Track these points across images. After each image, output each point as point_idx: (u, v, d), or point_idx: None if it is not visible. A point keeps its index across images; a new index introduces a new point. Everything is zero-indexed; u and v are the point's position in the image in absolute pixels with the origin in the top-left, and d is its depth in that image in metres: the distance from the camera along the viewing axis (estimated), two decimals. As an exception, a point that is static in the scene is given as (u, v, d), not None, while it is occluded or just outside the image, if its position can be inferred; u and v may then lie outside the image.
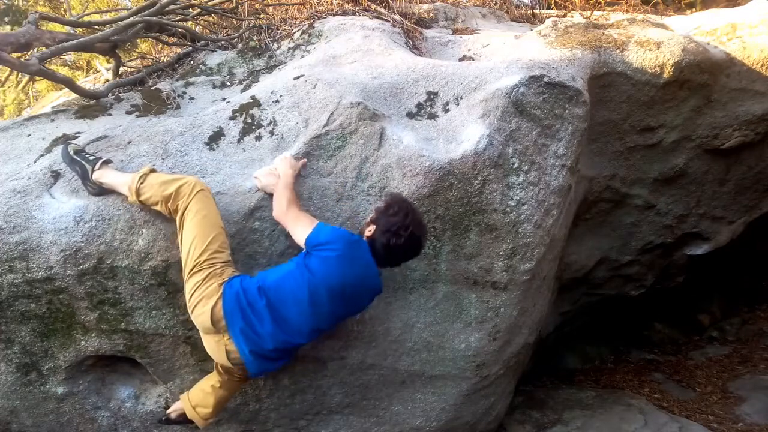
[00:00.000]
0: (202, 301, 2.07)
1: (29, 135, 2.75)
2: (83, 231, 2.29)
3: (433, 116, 2.79)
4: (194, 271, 2.08)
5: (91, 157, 2.34)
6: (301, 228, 2.17)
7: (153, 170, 2.26)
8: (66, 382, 2.56)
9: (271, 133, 2.65)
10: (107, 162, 2.35)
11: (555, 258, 3.25)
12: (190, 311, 2.13)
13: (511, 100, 2.71)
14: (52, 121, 2.88)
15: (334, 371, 2.73)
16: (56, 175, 2.42)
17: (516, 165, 2.69)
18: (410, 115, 2.80)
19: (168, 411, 2.51)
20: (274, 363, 2.22)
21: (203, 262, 2.08)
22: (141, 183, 2.19)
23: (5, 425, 2.63)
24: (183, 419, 2.45)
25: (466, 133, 2.65)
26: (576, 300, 4.47)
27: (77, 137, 2.64)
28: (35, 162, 2.53)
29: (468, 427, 3.18)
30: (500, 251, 2.73)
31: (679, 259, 4.48)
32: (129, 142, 2.55)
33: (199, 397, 2.40)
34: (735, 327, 5.34)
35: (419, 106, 2.83)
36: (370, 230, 2.21)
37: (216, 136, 2.62)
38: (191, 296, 2.09)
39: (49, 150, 2.59)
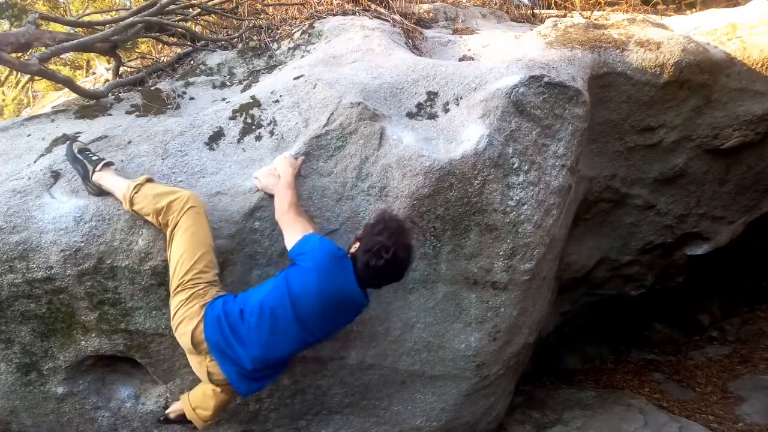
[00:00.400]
0: (184, 322, 2.07)
1: (29, 135, 2.75)
2: (83, 231, 2.29)
3: (433, 116, 2.79)
4: (178, 290, 2.08)
5: (94, 158, 2.34)
6: (292, 234, 2.16)
7: (149, 180, 2.25)
8: (66, 382, 2.56)
9: (271, 133, 2.65)
10: (109, 164, 2.34)
11: (555, 258, 3.26)
12: (174, 329, 2.13)
13: (511, 100, 2.71)
14: (52, 121, 2.88)
15: (334, 371, 2.73)
16: (56, 175, 2.42)
17: (516, 165, 2.69)
18: (410, 115, 2.80)
19: (167, 411, 2.50)
20: (260, 382, 2.20)
21: (188, 281, 2.07)
22: (135, 192, 2.18)
23: (5, 425, 2.63)
24: (182, 420, 2.44)
25: (466, 133, 2.65)
26: (576, 300, 4.47)
27: (78, 137, 2.64)
28: (35, 162, 2.53)
29: (468, 427, 3.18)
30: (500, 251, 2.73)
31: (679, 259, 4.48)
32: (129, 142, 2.55)
33: (200, 399, 2.39)
34: (735, 327, 5.34)
35: (419, 106, 2.83)
36: (355, 247, 2.16)
37: (216, 136, 2.62)
38: (174, 315, 2.09)
39: (49, 150, 2.59)
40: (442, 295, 2.75)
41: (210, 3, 4.13)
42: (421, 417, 2.96)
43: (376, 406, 2.90)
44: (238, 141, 2.62)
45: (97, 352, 2.51)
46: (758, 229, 4.58)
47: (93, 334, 2.47)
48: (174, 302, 2.11)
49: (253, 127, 2.67)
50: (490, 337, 2.88)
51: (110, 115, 2.92)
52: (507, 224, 2.68)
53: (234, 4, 4.34)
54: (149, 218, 2.21)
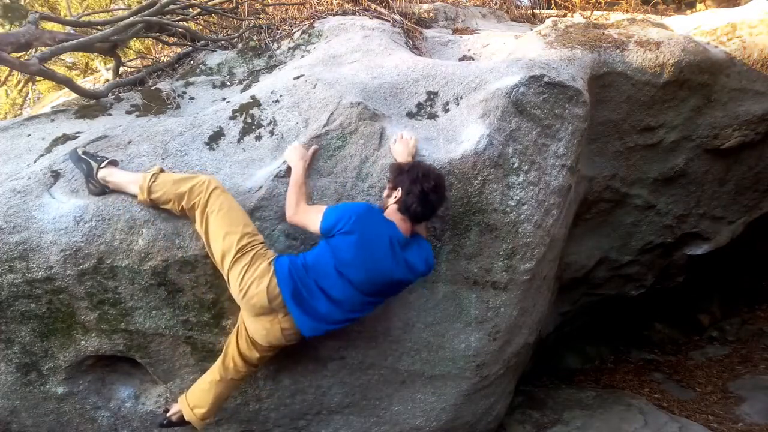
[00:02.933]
0: (254, 282, 2.10)
1: (29, 135, 2.76)
2: (83, 231, 2.29)
3: (433, 116, 2.79)
4: (237, 256, 2.11)
5: (98, 157, 2.36)
6: (313, 220, 2.20)
7: (162, 170, 2.29)
8: (66, 382, 2.56)
9: (271, 132, 2.65)
10: (113, 162, 2.36)
11: (555, 258, 3.26)
12: (240, 297, 2.14)
13: (511, 99, 2.70)
14: (52, 121, 2.88)
15: (334, 371, 2.73)
16: (56, 175, 2.42)
17: (516, 165, 2.69)
18: (410, 115, 2.80)
19: (168, 414, 2.50)
20: (330, 330, 2.25)
21: (246, 245, 2.12)
22: (153, 181, 2.21)
23: (5, 425, 2.64)
24: (183, 421, 2.45)
25: (466, 133, 2.65)
26: (576, 300, 4.47)
27: (77, 137, 2.64)
28: (35, 162, 2.53)
29: (468, 427, 3.18)
30: (500, 251, 2.73)
31: (679, 259, 4.48)
32: (129, 142, 2.55)
33: (197, 396, 2.40)
34: (735, 327, 5.34)
35: (419, 105, 2.83)
36: (395, 195, 2.24)
37: (216, 136, 2.62)
38: (241, 280, 2.10)
39: (49, 150, 2.59)
40: (442, 295, 2.75)
41: (210, 3, 4.13)
42: (421, 417, 2.96)
43: (376, 406, 2.90)
44: (238, 141, 2.62)
45: (97, 352, 2.51)
46: (758, 229, 4.58)
47: (93, 334, 2.47)
48: (236, 270, 2.11)
49: (253, 127, 2.67)
50: (490, 337, 2.88)
51: (110, 115, 2.92)
52: (507, 224, 2.68)
53: (234, 4, 4.34)
54: (168, 206, 2.23)
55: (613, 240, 4.11)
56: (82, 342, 2.48)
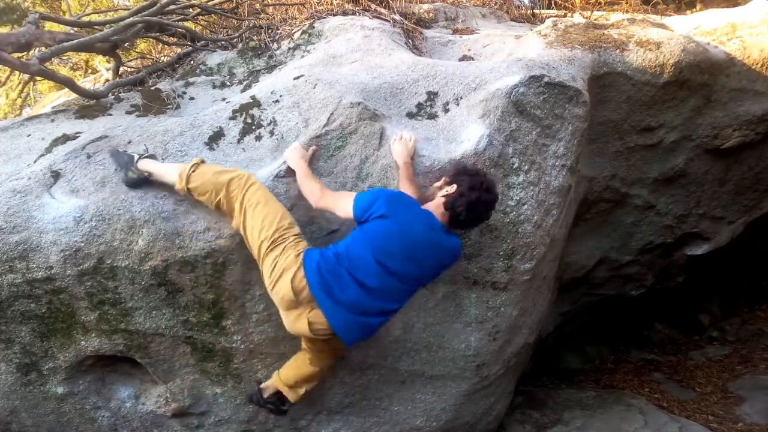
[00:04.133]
0: (284, 274, 2.09)
1: (29, 135, 2.76)
2: (83, 231, 2.29)
3: (433, 116, 2.79)
4: (270, 247, 2.12)
5: (134, 154, 2.42)
6: (342, 205, 2.20)
7: (203, 161, 2.32)
8: (66, 382, 2.56)
9: (271, 133, 2.65)
10: (152, 156, 2.41)
11: (555, 258, 3.25)
12: (270, 288, 2.15)
13: (511, 100, 2.70)
14: (52, 121, 2.88)
15: (334, 371, 2.73)
16: (56, 175, 2.42)
17: (516, 165, 2.69)
18: (410, 115, 2.80)
19: (261, 386, 2.56)
20: (364, 328, 2.18)
21: (278, 237, 2.13)
22: (192, 171, 2.24)
23: (5, 425, 2.64)
24: (275, 398, 2.52)
25: (466, 133, 2.65)
26: (576, 300, 4.47)
27: (77, 137, 2.64)
28: (35, 162, 2.53)
29: (468, 427, 3.18)
30: (500, 251, 2.73)
31: (679, 259, 4.48)
32: (129, 142, 2.55)
33: (291, 374, 2.46)
34: (735, 327, 5.34)
35: (419, 106, 2.83)
36: (448, 189, 2.23)
37: (216, 136, 2.62)
38: (271, 272, 2.11)
39: (49, 150, 2.59)
40: (442, 295, 2.75)
41: (210, 3, 4.13)
42: (421, 417, 2.96)
43: (376, 406, 2.90)
44: (238, 141, 2.62)
45: (97, 352, 2.51)
46: (758, 229, 4.58)
47: (93, 334, 2.47)
48: (268, 261, 2.12)
49: (253, 127, 2.67)
50: (490, 337, 2.88)
51: (110, 115, 2.92)
52: (507, 224, 2.68)
53: (234, 4, 4.34)
54: (204, 198, 2.24)
55: (613, 240, 4.11)
56: (82, 342, 2.48)
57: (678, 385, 4.59)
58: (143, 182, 2.36)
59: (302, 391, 2.49)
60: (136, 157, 2.37)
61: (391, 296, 2.17)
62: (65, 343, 2.47)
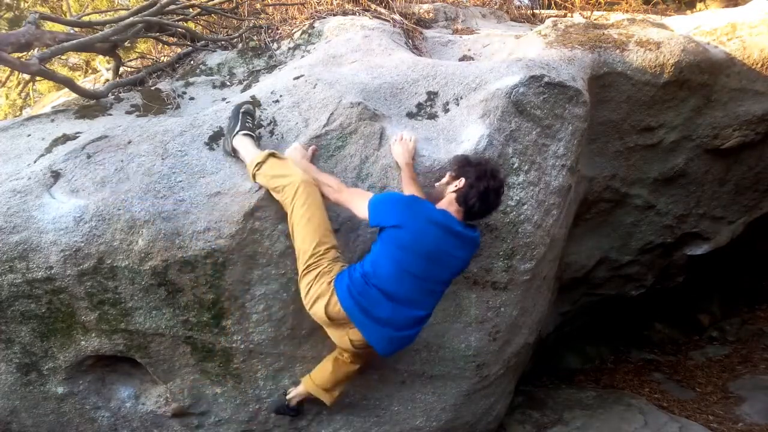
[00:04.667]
0: (318, 300, 2.17)
1: (29, 135, 2.75)
2: (83, 231, 2.29)
3: (433, 116, 2.79)
4: (305, 272, 2.20)
5: (248, 124, 2.45)
6: (358, 206, 2.24)
7: (272, 155, 2.31)
8: (66, 382, 2.56)
9: (271, 133, 2.65)
10: (250, 135, 2.43)
11: (555, 258, 3.25)
12: (308, 308, 2.24)
13: (511, 100, 2.70)
14: (52, 121, 2.88)
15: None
16: (56, 175, 2.42)
17: (516, 165, 2.69)
18: (410, 115, 2.80)
19: (288, 396, 2.62)
20: (402, 341, 2.26)
21: (312, 264, 2.19)
22: (257, 170, 2.29)
23: (5, 425, 2.64)
24: (301, 405, 2.61)
25: (466, 133, 2.65)
26: (576, 300, 4.47)
27: (77, 137, 2.64)
28: (35, 162, 2.53)
29: (468, 427, 3.18)
30: (500, 251, 2.73)
31: (679, 259, 4.48)
32: (129, 142, 2.55)
33: (328, 377, 2.51)
34: (735, 327, 5.34)
35: (419, 106, 2.83)
36: (456, 184, 2.24)
37: (216, 136, 2.62)
38: (307, 294, 2.20)
39: (49, 150, 2.59)
40: (442, 295, 2.74)
41: (210, 3, 4.13)
42: (421, 417, 2.96)
43: (376, 406, 2.90)
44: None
45: (97, 352, 2.51)
46: (758, 229, 4.58)
47: (93, 334, 2.47)
48: (303, 283, 2.22)
49: (253, 127, 2.67)
50: (490, 337, 2.88)
51: (110, 115, 2.92)
52: (507, 224, 2.68)
53: (234, 4, 4.34)
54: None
55: (613, 240, 4.11)
56: (82, 342, 2.48)
57: (678, 385, 4.60)
58: (232, 155, 2.47)
59: (337, 392, 2.56)
60: (236, 130, 2.42)
61: (423, 302, 2.23)
62: (65, 343, 2.47)
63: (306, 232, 2.19)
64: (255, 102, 2.76)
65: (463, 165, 2.29)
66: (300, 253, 2.22)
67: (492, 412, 3.27)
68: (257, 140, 2.48)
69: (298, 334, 2.57)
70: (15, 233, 2.27)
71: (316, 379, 2.55)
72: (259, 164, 2.29)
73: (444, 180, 2.35)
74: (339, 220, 2.50)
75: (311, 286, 2.18)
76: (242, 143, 2.42)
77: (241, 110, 2.47)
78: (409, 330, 2.23)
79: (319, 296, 2.16)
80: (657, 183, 3.87)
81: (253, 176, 2.31)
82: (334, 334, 2.28)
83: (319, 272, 2.17)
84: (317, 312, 2.19)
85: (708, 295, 5.52)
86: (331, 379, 2.52)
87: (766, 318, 5.39)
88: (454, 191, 2.24)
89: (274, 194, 2.30)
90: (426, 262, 2.15)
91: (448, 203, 2.25)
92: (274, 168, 2.28)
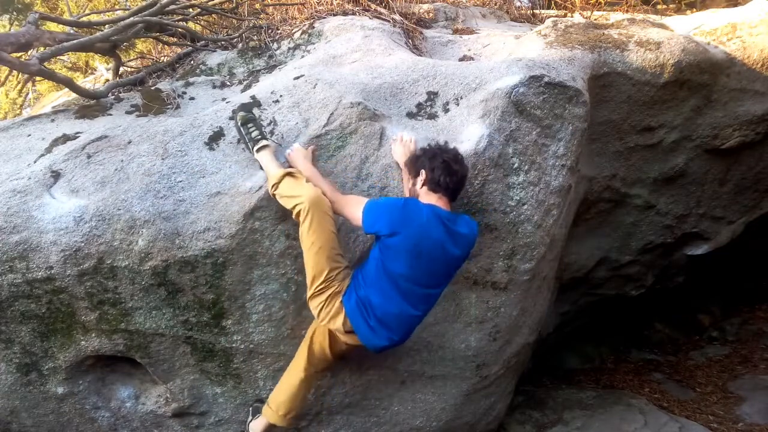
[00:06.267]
0: (332, 321, 2.25)
1: (29, 135, 2.76)
2: (83, 231, 2.29)
3: (433, 116, 2.79)
4: (315, 294, 2.25)
5: (253, 133, 2.47)
6: (353, 214, 2.26)
7: (289, 174, 2.29)
8: (66, 382, 2.56)
9: (272, 133, 2.65)
10: (263, 147, 2.44)
11: (555, 258, 3.25)
12: (322, 323, 2.31)
13: (511, 100, 2.70)
14: (52, 121, 2.88)
15: (335, 371, 2.73)
16: (56, 175, 2.42)
17: (516, 165, 2.69)
18: (410, 115, 2.80)
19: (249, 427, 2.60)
20: (396, 342, 2.31)
21: (323, 287, 2.23)
22: (275, 191, 2.29)
23: (5, 425, 2.64)
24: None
25: (466, 133, 2.65)
26: (576, 300, 4.47)
27: (77, 137, 2.64)
28: (35, 162, 2.53)
29: (468, 427, 3.18)
30: (500, 251, 2.73)
31: (679, 259, 4.48)
32: (129, 142, 2.55)
33: (279, 400, 2.48)
34: (735, 327, 5.34)
35: (419, 106, 2.83)
36: (421, 179, 2.27)
37: (216, 136, 2.62)
38: (318, 313, 2.27)
39: (49, 150, 2.59)
40: (442, 295, 2.74)
41: (210, 3, 4.13)
42: (421, 417, 2.96)
43: (376, 406, 2.90)
44: (238, 141, 2.62)
45: (97, 352, 2.51)
46: (758, 229, 4.58)
47: (93, 334, 2.47)
48: (314, 303, 2.27)
49: (253, 127, 2.67)
50: (490, 337, 2.88)
51: (110, 115, 2.92)
52: (507, 224, 2.68)
53: (234, 4, 4.34)
54: None
55: (613, 240, 4.11)
56: (82, 342, 2.48)
57: (678, 385, 4.60)
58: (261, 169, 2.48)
59: (291, 416, 2.51)
60: (251, 147, 2.45)
61: (419, 306, 2.26)
62: (65, 343, 2.47)
63: (316, 261, 2.22)
64: (255, 102, 2.77)
65: (414, 161, 2.34)
66: (310, 276, 2.25)
67: (492, 412, 3.27)
68: (271, 139, 2.51)
69: (298, 334, 2.57)
70: (15, 233, 2.27)
71: (273, 403, 2.50)
72: (276, 185, 2.29)
73: (409, 184, 2.38)
74: (339, 221, 2.50)
75: (322, 308, 2.24)
76: (262, 159, 2.43)
77: (239, 124, 2.50)
78: (403, 334, 2.29)
79: (330, 316, 2.24)
80: (657, 183, 3.87)
81: (273, 195, 2.32)
82: (342, 339, 2.35)
83: (330, 294, 2.23)
84: (336, 328, 2.26)
85: (708, 295, 5.51)
86: (286, 397, 2.48)
87: (766, 318, 5.39)
88: (423, 185, 2.27)
89: (293, 215, 2.30)
90: (425, 263, 2.16)
91: (427, 196, 2.27)
92: (289, 188, 2.28)
